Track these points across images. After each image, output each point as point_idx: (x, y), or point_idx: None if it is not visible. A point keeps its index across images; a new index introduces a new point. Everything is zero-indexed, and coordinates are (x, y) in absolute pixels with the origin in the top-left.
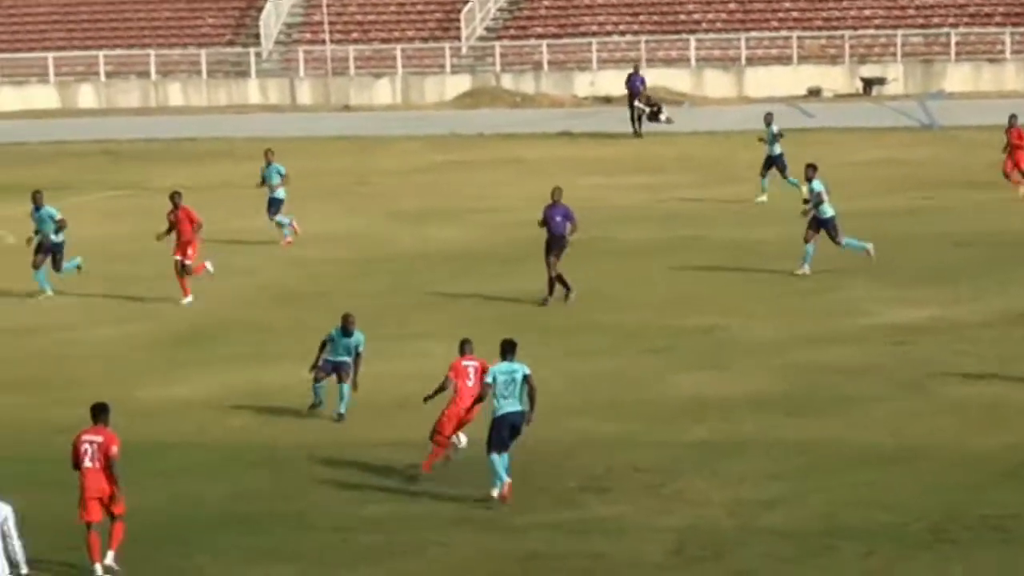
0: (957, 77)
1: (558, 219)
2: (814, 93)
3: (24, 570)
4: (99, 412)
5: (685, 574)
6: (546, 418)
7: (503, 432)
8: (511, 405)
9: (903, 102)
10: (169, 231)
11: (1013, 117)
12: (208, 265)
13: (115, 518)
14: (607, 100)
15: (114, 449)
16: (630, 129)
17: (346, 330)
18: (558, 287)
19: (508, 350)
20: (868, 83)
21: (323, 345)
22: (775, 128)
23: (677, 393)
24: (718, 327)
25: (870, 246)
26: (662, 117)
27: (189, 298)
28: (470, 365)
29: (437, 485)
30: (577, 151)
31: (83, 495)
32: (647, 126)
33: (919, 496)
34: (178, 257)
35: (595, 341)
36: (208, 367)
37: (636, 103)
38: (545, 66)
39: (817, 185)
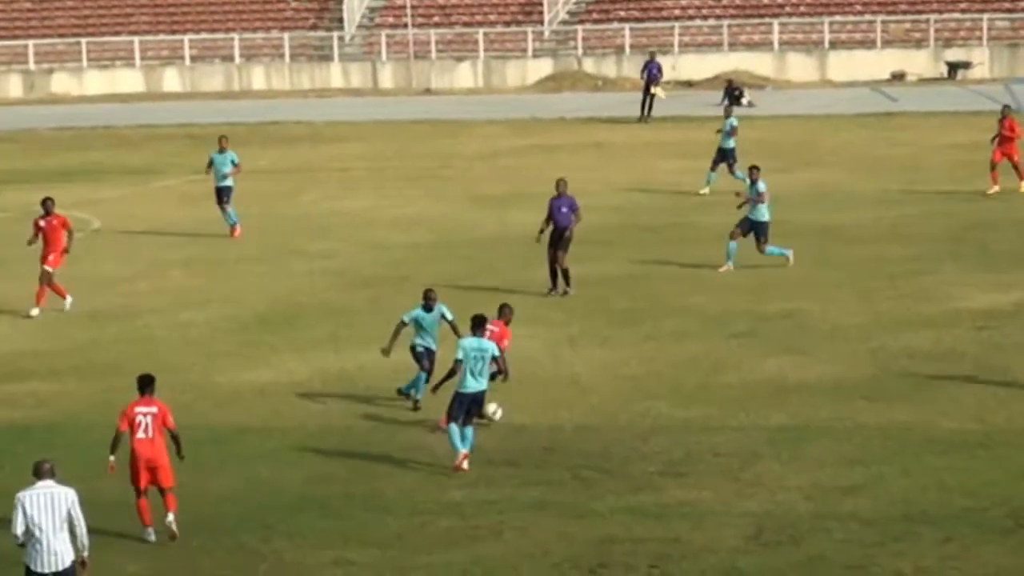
0: None
1: (564, 211)
2: (898, 77)
3: (86, 553)
4: (147, 383)
5: (762, 559)
6: (625, 402)
7: (466, 407)
8: (478, 384)
9: (988, 86)
10: (37, 237)
11: (1007, 107)
12: (68, 300)
13: (166, 491)
14: (689, 84)
15: (171, 419)
16: (656, 114)
17: (428, 307)
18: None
19: (478, 325)
20: (953, 67)
21: (399, 326)
22: (733, 121)
23: (757, 378)
24: (800, 311)
25: (790, 252)
26: (744, 101)
27: (68, 299)
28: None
29: (517, 470)
30: (658, 135)
31: (136, 464)
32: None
33: (1001, 482)
34: (47, 267)
35: (675, 325)
36: (286, 351)
37: (653, 89)
38: (627, 50)
39: (762, 186)
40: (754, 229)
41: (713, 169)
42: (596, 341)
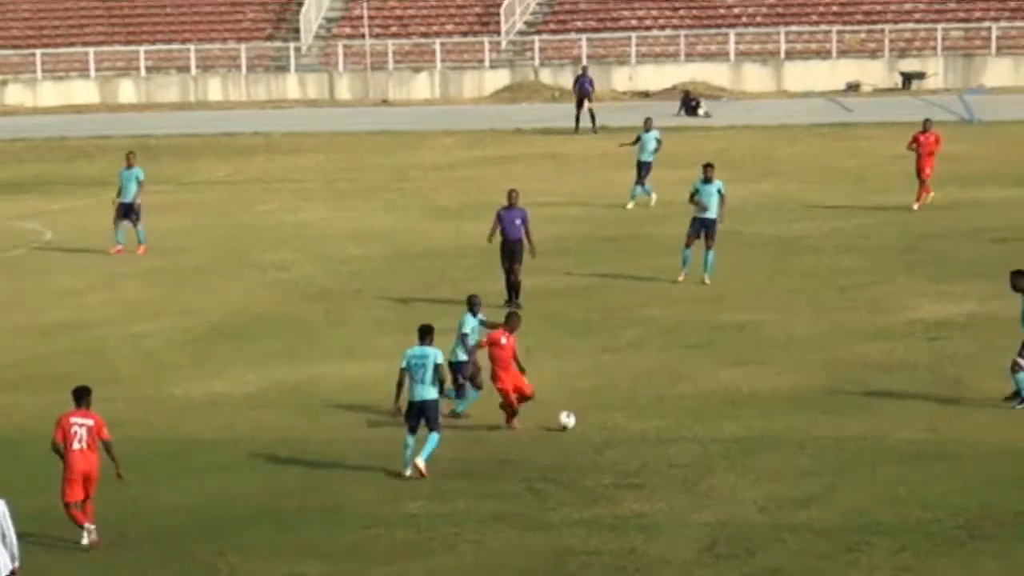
0: (997, 72)
1: (516, 223)
2: (853, 88)
3: (16, 564)
4: (83, 395)
5: (717, 570)
6: (581, 413)
7: (415, 415)
8: (422, 391)
9: (943, 96)
10: None
11: (928, 121)
12: None
13: (87, 499)
14: (646, 94)
15: (106, 431)
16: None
17: (473, 311)
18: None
19: (424, 334)
20: (907, 77)
21: (463, 337)
22: (656, 134)
23: (712, 389)
24: (755, 322)
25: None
26: (700, 111)
27: None
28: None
29: (472, 482)
30: (615, 146)
31: (70, 475)
32: (685, 120)
33: (954, 493)
34: None
35: (631, 337)
36: (241, 363)
37: (586, 105)
38: (584, 60)
39: (718, 184)
40: (704, 228)
41: (639, 183)
42: (552, 352)
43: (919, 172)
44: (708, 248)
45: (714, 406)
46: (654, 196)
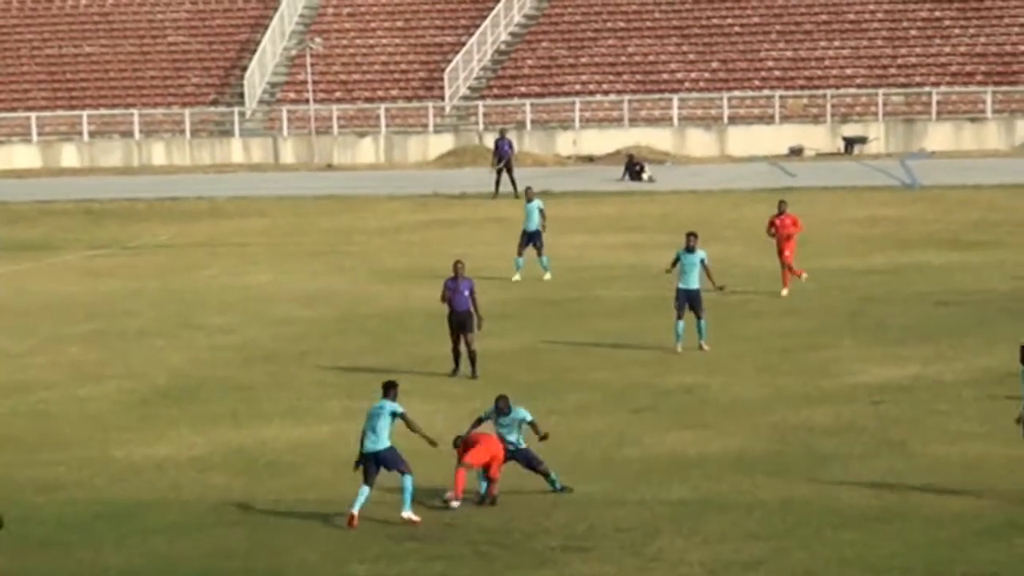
0: (938, 136)
1: (465, 294)
2: (796, 152)
3: None
4: None
5: None
6: (527, 476)
7: (367, 467)
8: (375, 442)
9: (884, 161)
10: None
11: (782, 203)
12: None
13: None
14: (590, 159)
15: None
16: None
17: (500, 410)
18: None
19: (386, 389)
20: (850, 142)
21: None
22: (539, 204)
23: (659, 452)
24: (701, 385)
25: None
26: (644, 175)
27: None
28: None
29: (419, 545)
30: (560, 210)
31: None
32: (630, 185)
33: (900, 555)
34: None
35: (579, 400)
36: (187, 425)
37: (505, 168)
38: (528, 125)
39: (701, 254)
40: (689, 300)
41: (520, 254)
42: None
43: (779, 255)
44: (699, 318)
45: (661, 469)
46: (548, 275)
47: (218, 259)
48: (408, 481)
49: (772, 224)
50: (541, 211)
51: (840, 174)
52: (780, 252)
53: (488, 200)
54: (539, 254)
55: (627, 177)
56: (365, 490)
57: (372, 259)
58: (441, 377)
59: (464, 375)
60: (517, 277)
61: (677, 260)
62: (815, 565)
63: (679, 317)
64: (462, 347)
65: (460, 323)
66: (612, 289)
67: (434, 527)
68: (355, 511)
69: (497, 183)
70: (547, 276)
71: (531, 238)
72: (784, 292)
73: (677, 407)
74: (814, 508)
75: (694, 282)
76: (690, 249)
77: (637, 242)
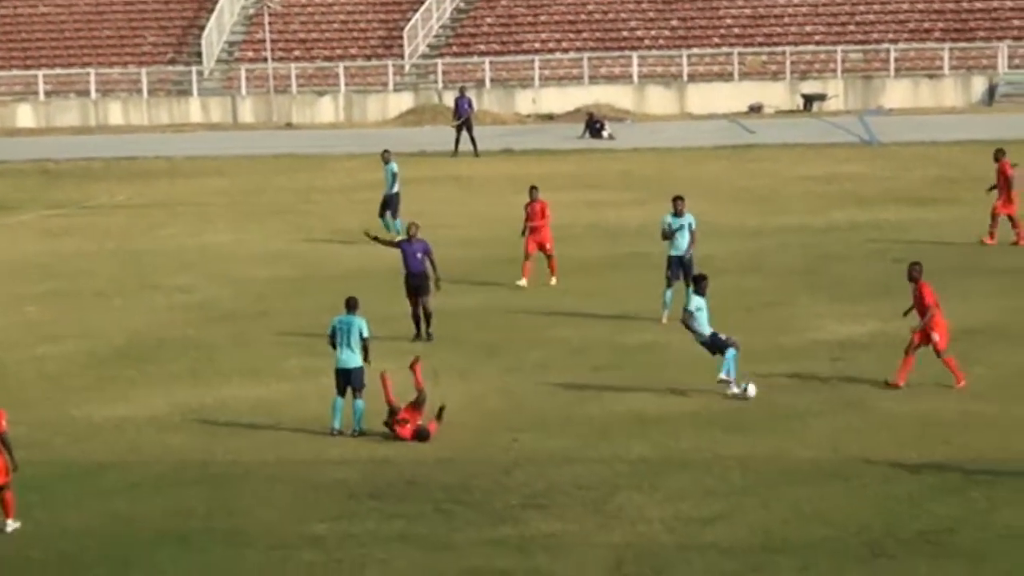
0: (896, 93)
1: (418, 256)
2: (755, 109)
3: None
4: None
5: None
6: (487, 435)
7: (339, 381)
8: (347, 358)
9: (843, 118)
10: None
11: (534, 190)
12: None
13: (3, 488)
14: (549, 117)
15: (4, 423)
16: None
17: (350, 306)
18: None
19: (349, 305)
20: (808, 99)
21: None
22: (394, 167)
23: (619, 409)
24: (660, 343)
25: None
26: (605, 133)
27: None
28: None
29: (380, 503)
30: (519, 168)
31: None
32: (590, 143)
33: (857, 511)
34: None
35: (539, 357)
36: (146, 385)
37: (464, 127)
38: (487, 83)
39: (689, 218)
40: (683, 267)
41: (382, 215)
42: (458, 373)
43: (542, 247)
44: (688, 286)
45: (621, 426)
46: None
47: (176, 219)
48: (360, 406)
49: (525, 210)
50: (395, 175)
51: (799, 131)
52: (536, 243)
53: (448, 158)
54: (393, 217)
55: (587, 135)
56: (339, 402)
57: (331, 218)
58: (401, 337)
59: (424, 339)
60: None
61: (667, 227)
62: (773, 521)
63: (668, 285)
64: (420, 310)
65: (415, 285)
66: (572, 247)
67: (395, 485)
68: (336, 426)
69: (457, 141)
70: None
71: (388, 201)
72: (553, 281)
73: (637, 365)
74: (772, 465)
75: (685, 247)
76: (678, 213)
77: (597, 200)
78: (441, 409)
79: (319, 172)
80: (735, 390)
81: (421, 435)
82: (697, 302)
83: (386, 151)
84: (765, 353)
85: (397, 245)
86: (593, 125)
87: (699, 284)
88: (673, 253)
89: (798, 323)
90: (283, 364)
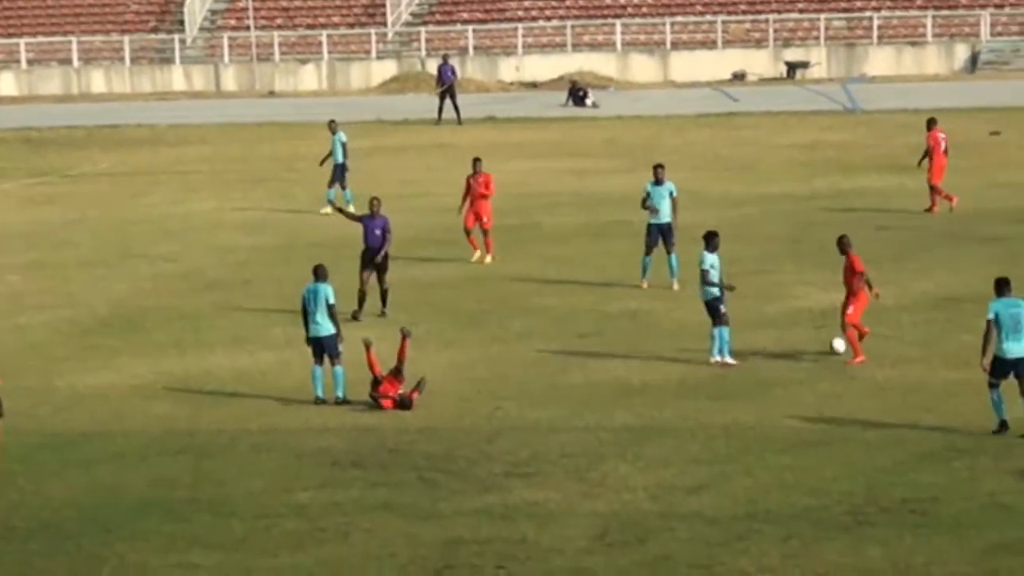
0: (879, 61)
1: (377, 232)
2: (739, 77)
3: None
4: None
5: (608, 559)
6: (471, 403)
7: (314, 350)
8: (317, 327)
9: (826, 86)
10: None
11: (477, 161)
12: None
13: None
14: (533, 85)
15: None
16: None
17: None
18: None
19: (316, 274)
20: (792, 67)
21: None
22: (342, 136)
23: (603, 378)
24: (645, 311)
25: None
26: (588, 101)
27: None
28: None
29: (363, 472)
30: (503, 136)
31: None
32: (573, 111)
33: (840, 479)
34: None
35: (523, 325)
36: (130, 354)
37: (448, 94)
38: (471, 51)
39: (670, 186)
40: (662, 234)
41: (331, 186)
42: (442, 343)
43: (479, 218)
44: (669, 252)
45: (605, 395)
46: (327, 209)
47: (159, 187)
48: (340, 372)
49: (466, 183)
50: (343, 144)
51: (783, 99)
52: (476, 216)
53: (431, 126)
54: (342, 187)
55: (571, 103)
56: (318, 371)
57: (315, 186)
58: (391, 303)
59: (373, 313)
60: (327, 210)
61: (647, 197)
62: (756, 490)
63: (647, 253)
64: (368, 287)
65: (372, 260)
66: (556, 215)
67: (379, 454)
68: (319, 394)
69: (440, 109)
70: (327, 210)
71: (336, 171)
72: (487, 258)
73: (621, 333)
74: (756, 433)
75: (665, 215)
76: (659, 182)
77: (581, 168)
78: (420, 381)
79: (302, 140)
80: (731, 360)
81: (403, 403)
82: (711, 259)
83: (332, 121)
84: (749, 321)
85: (359, 219)
86: (576, 93)
87: (710, 242)
88: (652, 221)
89: (782, 291)
90: (267, 333)
